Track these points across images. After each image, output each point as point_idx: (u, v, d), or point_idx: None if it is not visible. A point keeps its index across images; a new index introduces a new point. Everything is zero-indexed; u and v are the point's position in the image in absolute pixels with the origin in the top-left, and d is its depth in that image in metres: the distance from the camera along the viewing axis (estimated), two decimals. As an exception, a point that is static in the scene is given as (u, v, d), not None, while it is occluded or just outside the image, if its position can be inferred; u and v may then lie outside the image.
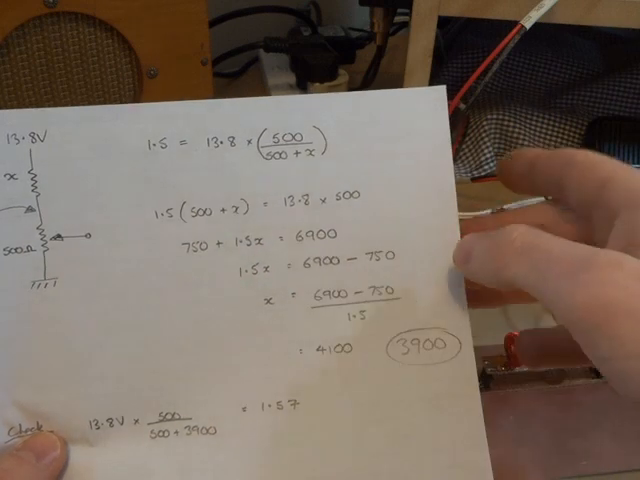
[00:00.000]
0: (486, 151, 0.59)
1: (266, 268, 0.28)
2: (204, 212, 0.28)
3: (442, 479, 0.27)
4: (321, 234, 0.28)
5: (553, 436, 0.40)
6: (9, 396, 0.27)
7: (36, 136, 0.27)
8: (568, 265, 0.22)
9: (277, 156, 0.28)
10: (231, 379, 0.28)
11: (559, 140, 0.61)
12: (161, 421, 0.27)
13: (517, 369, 0.41)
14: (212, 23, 0.62)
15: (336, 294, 0.28)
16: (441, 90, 0.28)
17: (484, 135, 0.60)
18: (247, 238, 0.28)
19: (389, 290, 0.28)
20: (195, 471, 0.27)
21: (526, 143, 0.59)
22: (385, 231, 0.28)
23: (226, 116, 0.28)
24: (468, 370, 0.28)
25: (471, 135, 0.61)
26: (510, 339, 0.38)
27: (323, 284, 0.28)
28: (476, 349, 0.28)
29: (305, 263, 0.28)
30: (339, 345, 0.28)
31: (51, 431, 0.27)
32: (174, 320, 0.27)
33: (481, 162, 0.59)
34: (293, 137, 0.28)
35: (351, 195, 0.28)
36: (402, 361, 0.28)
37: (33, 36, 0.45)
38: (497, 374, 0.42)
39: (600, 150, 0.58)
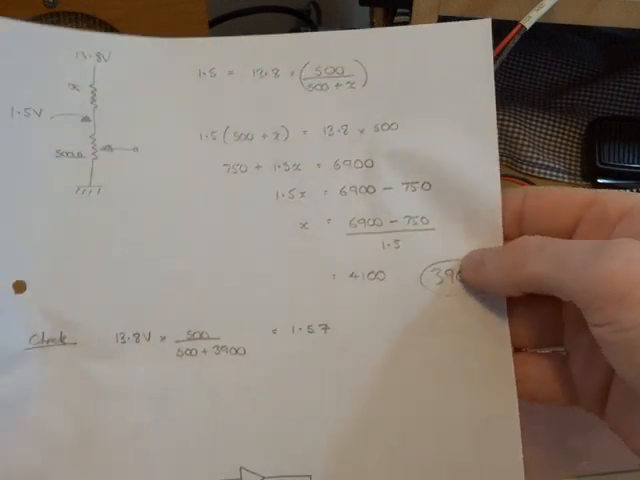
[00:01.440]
0: (486, 151, 0.59)
1: (302, 194, 0.28)
2: (246, 137, 0.28)
3: (470, 404, 0.27)
4: (358, 163, 0.28)
5: (553, 436, 0.40)
6: (37, 301, 0.27)
7: (101, 56, 0.28)
8: (588, 249, 0.23)
9: (318, 87, 0.28)
10: (262, 301, 0.28)
11: (559, 140, 0.61)
12: (189, 339, 0.27)
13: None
14: (212, 23, 0.62)
15: (371, 222, 0.28)
16: (486, 24, 0.28)
17: (484, 135, 0.60)
18: (285, 164, 0.28)
19: (424, 220, 0.28)
20: (223, 390, 0.27)
21: (526, 143, 0.59)
22: (422, 162, 0.28)
23: (271, 50, 0.29)
24: (499, 302, 0.28)
25: (471, 135, 0.61)
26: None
27: (359, 212, 0.28)
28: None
29: (341, 191, 0.28)
30: (372, 272, 0.28)
31: (74, 343, 0.27)
32: (210, 238, 0.28)
33: (481, 162, 0.59)
34: (335, 70, 0.28)
35: (389, 127, 0.28)
36: (435, 291, 0.28)
37: (33, 36, 0.45)
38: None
39: (600, 150, 0.58)
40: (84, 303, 0.27)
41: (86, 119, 0.28)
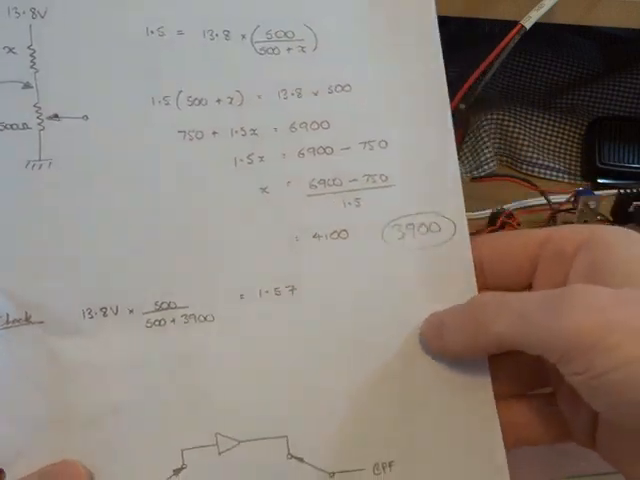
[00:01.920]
0: (486, 151, 0.59)
1: (261, 158, 0.28)
2: (200, 102, 0.28)
3: None
4: (314, 125, 0.28)
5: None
6: None
7: (37, 12, 0.27)
8: (546, 302, 0.23)
9: (270, 51, 0.28)
10: (227, 267, 0.28)
11: (559, 140, 0.61)
12: (157, 310, 0.27)
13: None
14: None
15: (331, 182, 0.28)
16: None
17: (484, 135, 0.60)
18: (242, 129, 0.28)
19: (383, 178, 0.28)
20: (194, 359, 0.27)
21: (526, 143, 0.60)
22: (377, 121, 0.29)
23: (222, 11, 0.28)
24: (463, 252, 0.28)
25: (471, 135, 0.61)
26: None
27: (318, 173, 0.28)
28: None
29: (299, 153, 0.28)
30: (335, 232, 0.28)
31: (41, 322, 0.26)
32: (170, 207, 0.27)
33: (481, 162, 0.59)
34: (285, 34, 0.29)
35: (342, 88, 0.29)
36: (398, 245, 0.28)
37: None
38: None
39: (600, 150, 0.58)
40: (46, 282, 0.26)
41: (27, 85, 0.26)
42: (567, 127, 0.61)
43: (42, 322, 0.26)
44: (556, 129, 0.61)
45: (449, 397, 0.27)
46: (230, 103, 0.28)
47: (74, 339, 0.27)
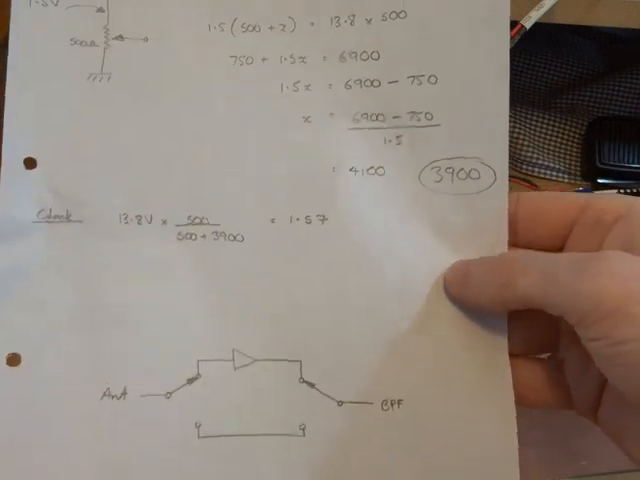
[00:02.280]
0: (486, 151, 0.59)
1: (307, 87, 0.28)
2: (253, 28, 0.28)
3: None
4: (364, 55, 0.28)
5: (553, 437, 0.40)
6: (46, 178, 0.28)
7: None
8: (576, 264, 0.23)
9: None
10: (262, 191, 0.28)
11: (559, 140, 0.61)
12: (189, 224, 0.28)
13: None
14: None
15: (374, 117, 0.28)
16: None
17: (484, 135, 0.60)
18: (291, 56, 0.28)
19: (428, 116, 0.28)
20: (220, 274, 0.28)
21: (526, 143, 0.59)
22: (430, 54, 0.28)
23: None
24: (500, 204, 0.27)
25: (471, 135, 0.61)
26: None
27: (362, 106, 0.28)
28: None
29: (346, 84, 0.28)
30: (372, 167, 0.28)
31: (80, 221, 0.28)
32: (213, 128, 0.28)
33: (481, 162, 0.59)
34: None
35: (397, 15, 0.28)
36: (433, 189, 0.28)
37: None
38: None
39: (600, 150, 0.58)
40: (91, 183, 0.28)
41: (100, 10, 0.29)
42: (567, 127, 0.61)
43: (81, 221, 0.28)
44: (556, 129, 0.61)
45: (465, 346, 0.27)
46: (282, 30, 0.28)
47: (108, 242, 0.28)
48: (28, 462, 0.27)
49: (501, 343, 0.27)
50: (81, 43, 0.29)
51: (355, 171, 0.28)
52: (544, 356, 0.28)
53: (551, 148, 0.61)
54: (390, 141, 0.28)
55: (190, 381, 0.27)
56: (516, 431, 0.27)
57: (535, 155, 0.59)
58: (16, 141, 0.28)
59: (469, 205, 0.27)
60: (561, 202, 0.27)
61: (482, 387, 0.27)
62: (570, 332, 0.26)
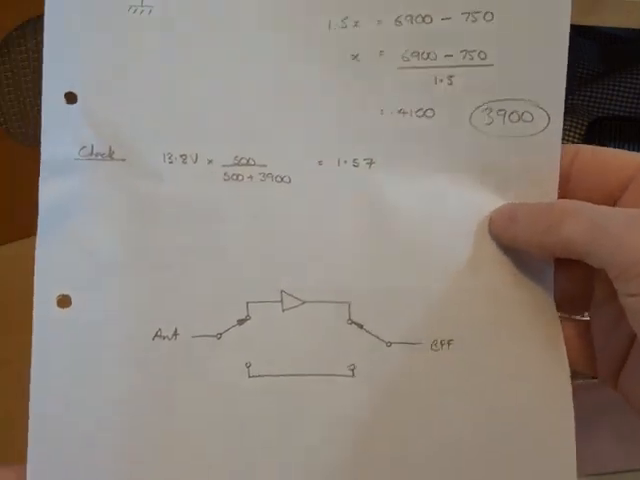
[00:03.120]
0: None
1: (356, 23, 0.27)
2: None
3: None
4: None
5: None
6: (87, 113, 0.27)
7: None
8: (627, 217, 0.23)
9: None
10: (310, 132, 0.27)
11: (559, 140, 0.61)
12: (235, 164, 0.27)
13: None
14: None
15: (425, 56, 0.27)
16: None
17: (484, 135, 0.60)
18: None
19: (482, 55, 0.27)
20: (267, 215, 0.27)
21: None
22: None
23: None
24: (552, 150, 0.27)
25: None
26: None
27: (413, 44, 0.27)
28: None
29: (396, 20, 0.27)
30: (421, 109, 0.27)
31: (123, 159, 0.27)
32: (260, 65, 0.27)
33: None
34: None
35: None
36: (484, 131, 0.27)
37: (33, 36, 0.45)
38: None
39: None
40: (134, 121, 0.27)
41: None
42: (567, 127, 0.61)
43: (124, 160, 0.27)
44: (556, 129, 0.61)
45: (514, 290, 0.27)
46: None
47: (152, 181, 0.27)
48: (82, 405, 0.26)
49: (548, 289, 0.27)
50: None
51: (404, 113, 0.27)
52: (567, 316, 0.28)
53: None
54: (441, 81, 0.27)
55: (240, 322, 0.27)
56: (568, 371, 0.27)
57: (535, 155, 0.59)
58: (56, 75, 0.27)
59: (520, 148, 0.27)
60: (620, 160, 0.27)
61: (531, 329, 0.27)
62: (605, 290, 0.26)
